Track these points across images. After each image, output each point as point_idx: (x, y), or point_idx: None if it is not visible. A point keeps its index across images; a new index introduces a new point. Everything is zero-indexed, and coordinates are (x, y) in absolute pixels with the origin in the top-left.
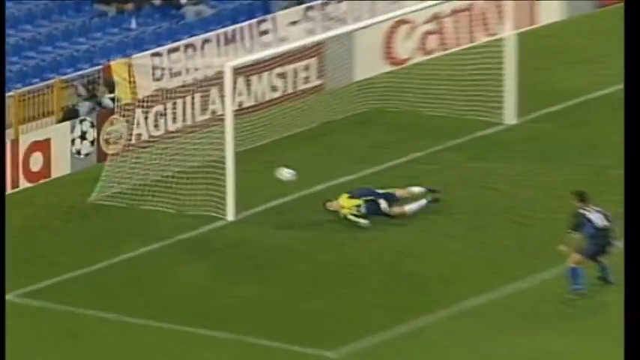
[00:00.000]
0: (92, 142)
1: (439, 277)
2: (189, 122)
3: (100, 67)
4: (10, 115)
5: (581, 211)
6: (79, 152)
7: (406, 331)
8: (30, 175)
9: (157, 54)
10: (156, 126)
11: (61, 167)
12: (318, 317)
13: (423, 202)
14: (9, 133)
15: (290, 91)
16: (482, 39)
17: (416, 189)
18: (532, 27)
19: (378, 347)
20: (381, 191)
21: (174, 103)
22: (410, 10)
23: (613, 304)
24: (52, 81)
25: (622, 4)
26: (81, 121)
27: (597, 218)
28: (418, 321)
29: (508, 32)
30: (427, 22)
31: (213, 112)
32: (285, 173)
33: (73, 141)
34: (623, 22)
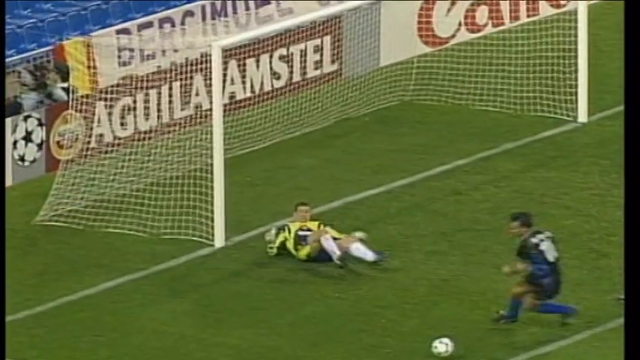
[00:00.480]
0: (40, 146)
1: (491, 323)
2: (165, 120)
3: (51, 47)
4: None
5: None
6: (22, 158)
7: None
8: None
9: (124, 31)
10: (122, 124)
11: None
12: None
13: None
14: None
15: (296, 79)
16: (546, 12)
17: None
18: None
19: None
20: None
21: (147, 95)
22: None
23: None
24: None
25: None
26: (25, 118)
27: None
28: None
29: (581, 4)
30: None
31: (197, 107)
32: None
33: (15, 144)
34: None
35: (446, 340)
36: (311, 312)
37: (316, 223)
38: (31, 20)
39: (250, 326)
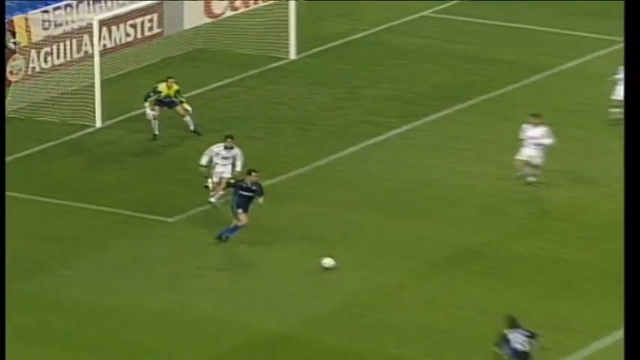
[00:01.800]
0: None
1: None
2: (69, 59)
3: (7, 21)
4: None
5: (505, 331)
6: None
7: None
8: None
9: (46, 11)
10: (45, 61)
11: None
12: (162, 194)
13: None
14: None
15: (139, 36)
16: None
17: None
18: None
19: (207, 215)
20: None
21: (59, 46)
22: None
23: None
24: None
25: None
26: None
27: (516, 339)
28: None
29: None
30: None
31: (86, 52)
32: (327, 263)
33: None
34: None
35: (329, 261)
36: (155, 160)
37: (174, 89)
38: None
39: (121, 175)
